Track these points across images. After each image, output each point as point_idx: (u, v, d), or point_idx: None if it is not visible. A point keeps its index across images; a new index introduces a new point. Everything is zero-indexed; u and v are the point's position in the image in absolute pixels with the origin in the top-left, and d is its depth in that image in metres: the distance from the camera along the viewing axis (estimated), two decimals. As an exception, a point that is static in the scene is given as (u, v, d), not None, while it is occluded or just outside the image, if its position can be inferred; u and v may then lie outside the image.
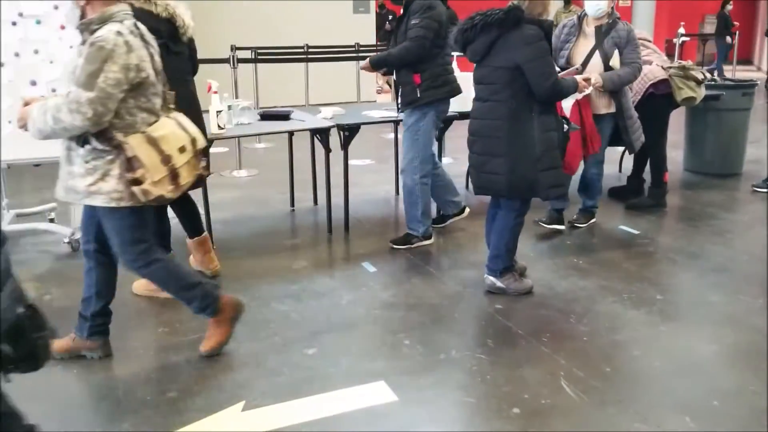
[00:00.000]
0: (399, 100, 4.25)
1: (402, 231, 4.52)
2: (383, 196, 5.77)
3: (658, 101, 4.98)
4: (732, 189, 5.76)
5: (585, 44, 4.40)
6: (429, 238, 4.46)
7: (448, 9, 4.73)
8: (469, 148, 3.62)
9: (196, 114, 3.47)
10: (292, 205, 5.40)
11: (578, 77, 3.83)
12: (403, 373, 2.86)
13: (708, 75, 5.41)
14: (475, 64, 3.56)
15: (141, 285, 3.65)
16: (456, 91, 4.27)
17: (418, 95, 4.08)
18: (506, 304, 3.58)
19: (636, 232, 4.71)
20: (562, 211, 4.70)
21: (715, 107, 5.85)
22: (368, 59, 4.22)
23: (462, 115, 4.95)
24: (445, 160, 6.38)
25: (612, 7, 4.44)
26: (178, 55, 3.41)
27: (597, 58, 4.34)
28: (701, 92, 5.11)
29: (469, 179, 3.84)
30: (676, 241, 4.53)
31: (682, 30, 13.50)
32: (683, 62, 5.12)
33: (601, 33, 4.35)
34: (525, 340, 3.17)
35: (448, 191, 4.65)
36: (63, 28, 4.14)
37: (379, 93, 12.23)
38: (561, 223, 4.69)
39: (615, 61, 4.35)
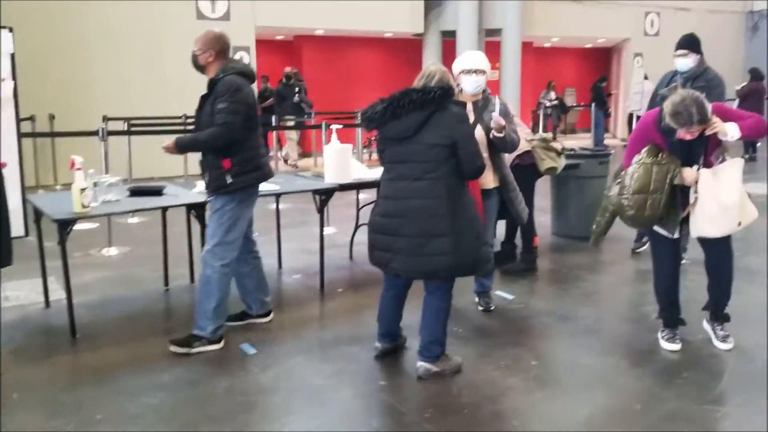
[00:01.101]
0: (206, 185, 3.99)
1: (290, 307, 4.41)
2: (265, 271, 5.61)
3: (524, 171, 5.24)
4: (596, 251, 6.10)
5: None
6: (218, 341, 3.96)
7: None
8: (393, 233, 3.41)
9: None
10: (167, 283, 5.17)
11: None
12: (282, 463, 2.75)
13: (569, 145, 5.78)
14: (393, 143, 3.44)
15: None
16: (268, 174, 4.06)
17: (228, 181, 3.83)
18: (389, 379, 3.55)
19: (511, 297, 4.86)
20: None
21: (575, 175, 6.25)
22: (174, 140, 3.89)
23: (342, 187, 5.02)
24: (328, 230, 6.39)
25: None
26: None
27: (479, 131, 4.25)
28: (562, 162, 5.45)
29: (388, 265, 3.51)
30: (548, 305, 4.71)
31: (544, 101, 14.48)
32: (544, 135, 5.46)
33: (479, 108, 4.28)
34: (408, 418, 3.14)
35: (259, 287, 4.35)
36: None
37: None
38: None
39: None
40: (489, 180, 4.29)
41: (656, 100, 5.20)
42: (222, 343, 3.96)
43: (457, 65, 4.27)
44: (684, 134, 3.49)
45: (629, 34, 16.94)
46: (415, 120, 3.35)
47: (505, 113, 4.23)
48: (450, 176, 3.37)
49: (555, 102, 15.43)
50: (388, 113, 3.36)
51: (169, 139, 3.93)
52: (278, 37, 15.00)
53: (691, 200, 3.63)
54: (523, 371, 3.62)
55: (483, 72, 4.21)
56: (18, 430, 3.03)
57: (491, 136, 4.12)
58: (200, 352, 3.87)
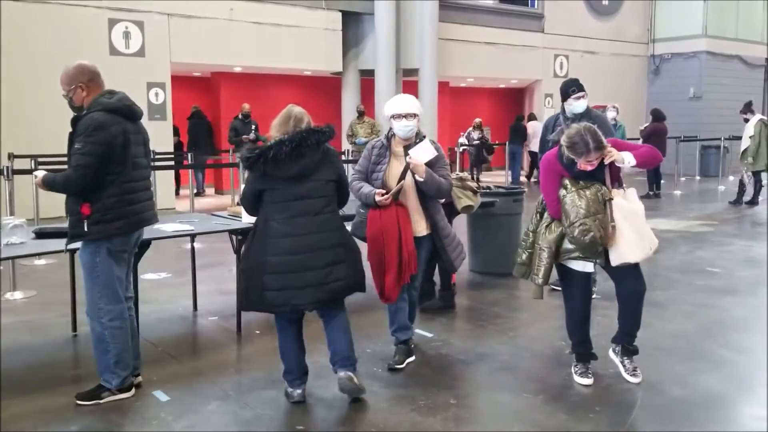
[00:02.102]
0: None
1: (206, 351, 4.28)
2: (180, 313, 5.50)
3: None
4: (512, 288, 6.25)
5: (397, 165, 4.21)
6: (127, 390, 3.76)
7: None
8: (298, 269, 3.47)
9: None
10: (75, 329, 4.95)
11: (376, 192, 4.08)
12: None
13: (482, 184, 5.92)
14: (288, 182, 3.51)
15: None
16: (140, 222, 3.74)
17: (84, 229, 3.54)
18: (308, 423, 3.50)
19: (430, 335, 4.90)
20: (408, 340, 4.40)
21: (491, 213, 6.42)
22: (42, 176, 3.62)
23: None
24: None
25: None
26: None
27: (409, 177, 4.16)
28: (478, 200, 5.58)
29: (290, 302, 3.51)
30: (466, 342, 4.77)
31: (462, 140, 14.86)
32: (460, 174, 5.59)
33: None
34: (326, 463, 3.10)
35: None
36: None
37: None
38: (412, 354, 4.39)
39: None
40: (421, 227, 4.27)
41: (547, 145, 5.43)
42: (132, 391, 3.80)
43: (388, 109, 4.24)
44: (584, 165, 3.66)
45: (540, 75, 17.69)
46: (315, 158, 3.57)
47: (437, 156, 4.16)
48: (337, 208, 3.73)
49: (477, 141, 15.24)
50: (294, 153, 3.47)
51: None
52: (195, 74, 14.83)
53: (610, 230, 3.71)
54: (442, 411, 3.64)
55: (414, 116, 4.16)
56: None
57: (414, 179, 4.11)
58: (109, 402, 3.70)
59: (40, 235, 4.50)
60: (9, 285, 6.01)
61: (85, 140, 3.46)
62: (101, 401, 3.69)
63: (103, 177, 3.52)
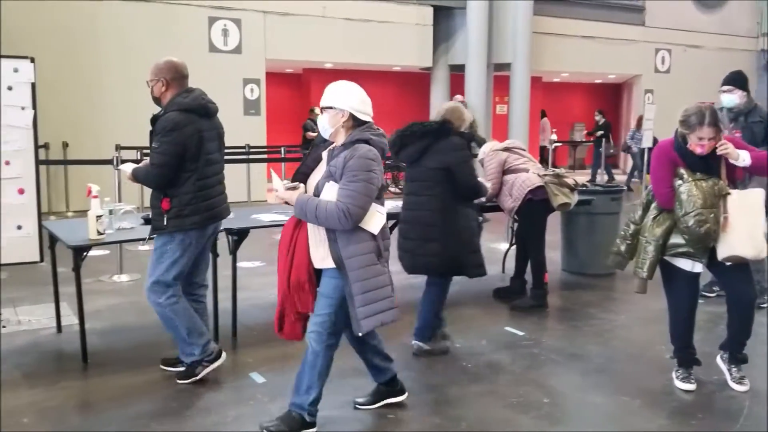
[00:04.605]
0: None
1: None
2: (272, 301, 5.61)
3: (536, 206, 5.25)
4: (607, 289, 6.07)
5: (317, 175, 3.19)
6: (217, 357, 3.88)
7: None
8: (403, 236, 4.22)
9: None
10: (177, 312, 5.17)
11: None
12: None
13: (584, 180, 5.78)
14: (408, 167, 4.24)
15: None
16: (213, 217, 3.82)
17: (164, 223, 3.68)
18: (397, 413, 3.53)
19: (521, 333, 4.82)
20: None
21: (587, 211, 6.24)
22: (132, 170, 3.80)
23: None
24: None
25: (344, 122, 3.07)
26: None
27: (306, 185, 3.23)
28: (575, 198, 5.44)
29: (401, 262, 4.24)
30: (558, 342, 4.67)
31: (554, 137, 14.52)
32: (557, 170, 5.46)
33: (331, 157, 3.09)
34: (418, 453, 3.11)
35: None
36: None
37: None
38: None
39: (327, 197, 3.01)
40: (319, 257, 3.11)
41: None
42: (223, 357, 3.94)
43: None
44: (695, 145, 3.52)
45: (640, 70, 17.04)
46: (417, 148, 4.10)
47: (343, 169, 2.96)
48: (445, 194, 4.11)
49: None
50: (397, 142, 4.13)
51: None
52: (287, 70, 15.16)
53: (722, 220, 3.56)
54: (535, 408, 3.59)
55: (328, 108, 3.10)
56: (26, 457, 3.01)
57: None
58: (206, 374, 3.85)
59: (148, 221, 4.71)
60: (116, 268, 6.33)
61: (162, 140, 3.63)
62: (198, 377, 3.84)
63: (179, 174, 3.67)
